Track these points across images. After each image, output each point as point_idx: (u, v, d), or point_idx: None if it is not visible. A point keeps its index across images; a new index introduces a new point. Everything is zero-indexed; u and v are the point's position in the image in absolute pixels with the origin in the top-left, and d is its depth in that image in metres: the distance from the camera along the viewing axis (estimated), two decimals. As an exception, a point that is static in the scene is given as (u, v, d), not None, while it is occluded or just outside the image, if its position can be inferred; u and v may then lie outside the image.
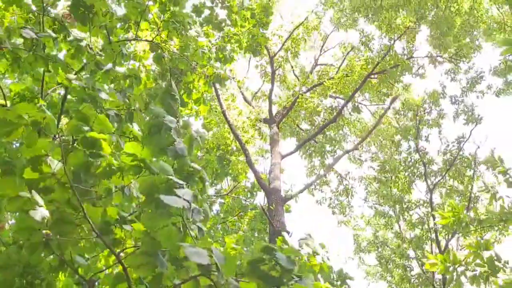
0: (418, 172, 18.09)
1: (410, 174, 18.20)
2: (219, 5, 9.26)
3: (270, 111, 17.42)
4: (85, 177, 3.65)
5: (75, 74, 5.38)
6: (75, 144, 3.69)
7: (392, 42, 16.58)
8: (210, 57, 8.23)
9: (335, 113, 17.92)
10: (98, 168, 3.65)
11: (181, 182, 3.11)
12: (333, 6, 18.64)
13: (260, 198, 20.76)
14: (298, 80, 19.55)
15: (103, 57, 5.84)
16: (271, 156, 15.47)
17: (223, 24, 9.13)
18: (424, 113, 18.32)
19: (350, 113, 19.26)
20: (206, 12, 8.88)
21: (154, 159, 3.62)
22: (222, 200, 16.20)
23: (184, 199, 2.94)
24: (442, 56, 17.35)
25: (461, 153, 17.54)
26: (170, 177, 3.09)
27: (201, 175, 4.33)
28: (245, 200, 15.78)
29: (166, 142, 3.57)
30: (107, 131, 3.79)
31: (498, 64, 17.03)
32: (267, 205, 12.88)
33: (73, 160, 3.56)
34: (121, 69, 6.20)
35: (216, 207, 16.34)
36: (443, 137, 18.33)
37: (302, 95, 17.69)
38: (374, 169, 19.67)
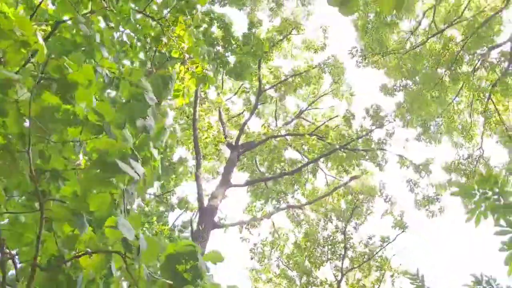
0: (337, 253, 18.18)
1: (328, 252, 18.27)
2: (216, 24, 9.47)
3: (238, 138, 17.51)
4: (46, 117, 3.58)
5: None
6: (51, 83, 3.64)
7: (373, 128, 17.20)
8: (205, 58, 8.28)
9: (295, 168, 18.18)
10: (62, 113, 3.58)
11: (138, 156, 3.09)
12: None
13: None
14: (276, 122, 19.83)
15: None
16: (220, 180, 15.45)
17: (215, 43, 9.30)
18: (361, 203, 18.67)
19: (308, 174, 19.53)
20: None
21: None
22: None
23: (136, 172, 2.91)
24: (411, 162, 17.97)
25: (380, 252, 17.91)
26: (131, 147, 3.06)
27: (155, 165, 4.31)
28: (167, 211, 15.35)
29: (139, 113, 3.56)
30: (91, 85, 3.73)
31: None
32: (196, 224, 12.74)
33: (43, 97, 3.50)
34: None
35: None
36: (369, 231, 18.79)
37: (272, 139, 17.91)
38: (300, 234, 19.81)
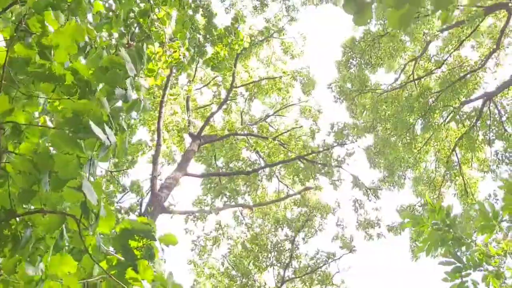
0: (282, 261, 18.32)
1: (274, 258, 18.39)
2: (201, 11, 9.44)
3: (201, 129, 17.42)
4: (20, 68, 3.49)
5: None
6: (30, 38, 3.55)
7: (334, 145, 17.52)
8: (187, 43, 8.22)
9: (252, 169, 18.26)
10: (36, 67, 3.49)
11: (113, 125, 3.04)
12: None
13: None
14: (241, 120, 19.84)
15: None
16: (177, 167, 15.32)
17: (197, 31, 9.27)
18: (314, 216, 18.90)
19: (263, 177, 19.67)
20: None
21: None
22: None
23: (108, 138, 2.87)
24: (363, 184, 18.35)
25: (324, 268, 18.20)
26: (107, 112, 3.01)
27: (123, 138, 4.25)
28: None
29: (119, 83, 3.50)
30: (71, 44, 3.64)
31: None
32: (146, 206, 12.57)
33: (20, 49, 3.41)
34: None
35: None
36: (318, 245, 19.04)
37: (234, 136, 17.93)
38: (246, 235, 19.87)
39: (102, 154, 2.98)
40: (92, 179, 3.48)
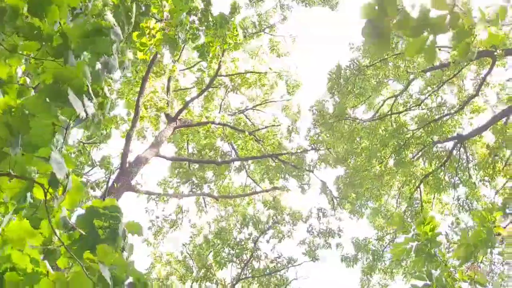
0: (242, 259, 18.28)
1: (234, 255, 18.31)
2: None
3: (179, 112, 17.22)
4: (9, 19, 3.32)
5: None
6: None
7: (309, 149, 17.59)
8: (182, 24, 8.07)
9: (223, 160, 18.18)
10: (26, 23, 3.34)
11: (93, 97, 2.91)
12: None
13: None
14: (220, 109, 19.72)
15: None
16: (149, 146, 15.11)
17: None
18: (283, 220, 18.91)
19: (233, 168, 19.62)
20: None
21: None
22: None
23: (85, 111, 2.74)
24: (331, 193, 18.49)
25: (283, 272, 18.26)
26: (87, 85, 2.87)
27: (103, 110, 4.11)
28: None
29: (105, 50, 3.36)
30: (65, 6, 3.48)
31: None
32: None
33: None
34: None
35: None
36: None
37: (211, 124, 17.78)
38: (210, 227, 19.81)
39: (77, 124, 2.87)
40: (64, 149, 3.34)
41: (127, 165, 13.10)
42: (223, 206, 20.71)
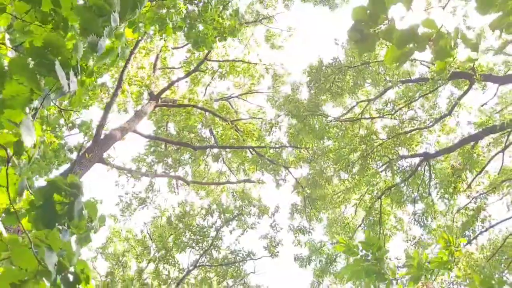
0: (201, 246, 18.21)
1: (194, 241, 18.32)
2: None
3: (162, 91, 17.05)
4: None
5: None
6: None
7: (287, 145, 17.63)
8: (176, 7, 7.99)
9: (201, 145, 18.12)
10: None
11: (79, 71, 2.85)
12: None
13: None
14: (205, 94, 19.62)
15: None
16: (127, 120, 14.91)
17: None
18: (248, 213, 18.94)
19: (210, 154, 19.58)
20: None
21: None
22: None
23: (69, 83, 2.68)
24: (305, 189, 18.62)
25: (241, 264, 18.32)
26: (77, 59, 2.81)
27: (86, 86, 4.04)
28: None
29: (96, 29, 3.29)
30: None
31: None
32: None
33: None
34: None
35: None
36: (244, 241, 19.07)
37: (193, 107, 17.66)
38: (174, 210, 19.74)
39: (57, 97, 2.80)
40: (37, 116, 3.27)
41: (102, 136, 12.92)
42: (195, 191, 20.67)
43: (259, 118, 19.41)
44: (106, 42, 3.44)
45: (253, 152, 17.83)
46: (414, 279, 5.12)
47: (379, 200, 16.97)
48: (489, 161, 15.95)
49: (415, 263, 5.11)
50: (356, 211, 18.37)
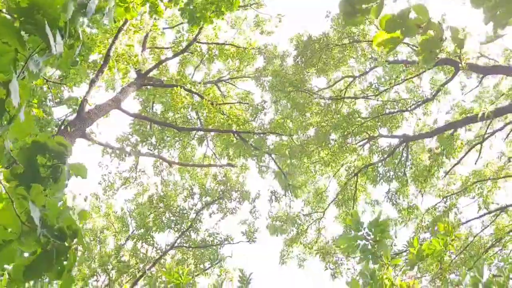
0: (180, 227, 18.21)
1: (173, 222, 18.25)
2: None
3: (149, 70, 16.91)
4: None
5: None
6: None
7: (270, 133, 17.70)
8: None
9: (186, 126, 18.08)
10: None
11: (67, 34, 2.81)
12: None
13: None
14: (193, 75, 19.52)
15: None
16: (112, 97, 14.77)
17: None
18: (229, 198, 18.99)
19: (195, 137, 19.54)
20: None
21: None
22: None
23: (55, 47, 2.65)
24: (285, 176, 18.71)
25: (219, 248, 18.39)
26: (66, 21, 2.77)
27: (74, 49, 3.98)
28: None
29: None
30: None
31: None
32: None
33: None
34: None
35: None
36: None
37: (180, 88, 17.54)
38: (156, 189, 19.71)
39: (43, 59, 2.76)
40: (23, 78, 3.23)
41: (86, 111, 12.78)
42: (179, 173, 20.63)
43: (245, 103, 19.37)
44: (95, 3, 3.39)
45: (238, 137, 17.82)
46: (410, 265, 5.20)
47: (356, 176, 17.25)
48: (468, 151, 16.27)
49: (415, 251, 5.18)
50: (330, 182, 18.71)
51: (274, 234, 18.54)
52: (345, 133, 16.27)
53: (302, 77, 16.76)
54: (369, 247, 5.10)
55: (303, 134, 17.37)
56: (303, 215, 18.77)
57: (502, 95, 17.55)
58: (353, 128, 16.15)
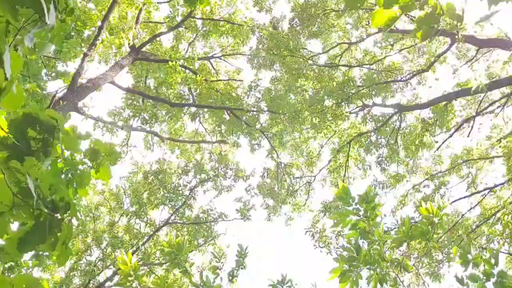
0: (174, 204, 18.27)
1: (168, 199, 18.25)
2: None
3: (143, 44, 16.72)
4: None
5: None
6: None
7: (264, 109, 17.65)
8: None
9: (178, 102, 17.97)
10: None
11: (58, 6, 2.75)
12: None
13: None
14: (187, 52, 19.31)
15: None
16: (105, 71, 14.60)
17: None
18: (224, 176, 19.02)
19: (187, 113, 19.44)
20: None
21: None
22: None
23: (48, 17, 2.59)
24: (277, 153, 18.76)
25: (213, 224, 18.50)
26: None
27: (69, 23, 3.92)
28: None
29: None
30: None
31: None
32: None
33: None
34: None
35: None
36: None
37: (174, 63, 17.38)
38: (151, 166, 19.71)
39: (35, 30, 2.71)
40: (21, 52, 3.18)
41: (78, 85, 12.63)
42: (170, 149, 20.61)
43: (239, 80, 19.26)
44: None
45: (231, 114, 17.77)
46: (397, 242, 5.25)
47: (348, 144, 17.38)
48: (460, 125, 16.35)
49: (404, 229, 5.23)
50: (322, 149, 18.79)
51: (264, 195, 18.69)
52: (339, 101, 16.26)
53: (297, 42, 16.66)
54: (360, 223, 5.16)
55: (297, 100, 17.33)
56: (294, 178, 18.90)
57: (497, 68, 17.57)
58: (347, 97, 16.14)
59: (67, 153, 3.24)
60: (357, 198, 5.14)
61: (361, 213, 5.12)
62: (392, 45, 17.29)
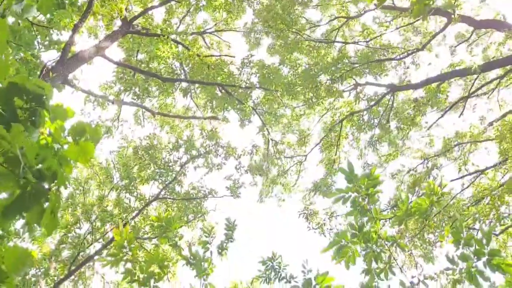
0: (163, 179, 18.21)
1: (158, 174, 18.20)
2: None
3: (135, 18, 16.44)
4: None
5: None
6: None
7: (257, 87, 17.53)
8: None
9: (169, 77, 17.80)
10: None
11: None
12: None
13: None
14: (179, 26, 19.06)
15: None
16: (96, 44, 14.39)
17: None
18: (215, 153, 18.98)
19: (178, 88, 19.31)
20: None
21: None
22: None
23: None
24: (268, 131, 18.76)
25: (203, 201, 18.55)
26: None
27: None
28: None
29: None
30: None
31: None
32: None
33: None
34: None
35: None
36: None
37: (166, 37, 17.15)
38: (141, 141, 19.60)
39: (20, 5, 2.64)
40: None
41: (68, 57, 12.44)
42: (160, 124, 20.49)
43: (232, 56, 19.09)
44: None
45: (222, 90, 17.66)
46: (398, 221, 5.29)
47: (341, 123, 17.42)
48: (452, 105, 16.43)
49: (403, 207, 5.26)
50: (314, 126, 18.94)
51: (256, 174, 18.70)
52: (333, 77, 16.20)
53: (294, 13, 16.53)
54: (359, 201, 5.19)
55: (291, 73, 17.25)
56: (285, 157, 18.93)
57: (491, 49, 17.60)
58: (341, 74, 16.07)
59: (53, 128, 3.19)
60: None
61: (360, 190, 5.14)
62: (390, 22, 17.19)
